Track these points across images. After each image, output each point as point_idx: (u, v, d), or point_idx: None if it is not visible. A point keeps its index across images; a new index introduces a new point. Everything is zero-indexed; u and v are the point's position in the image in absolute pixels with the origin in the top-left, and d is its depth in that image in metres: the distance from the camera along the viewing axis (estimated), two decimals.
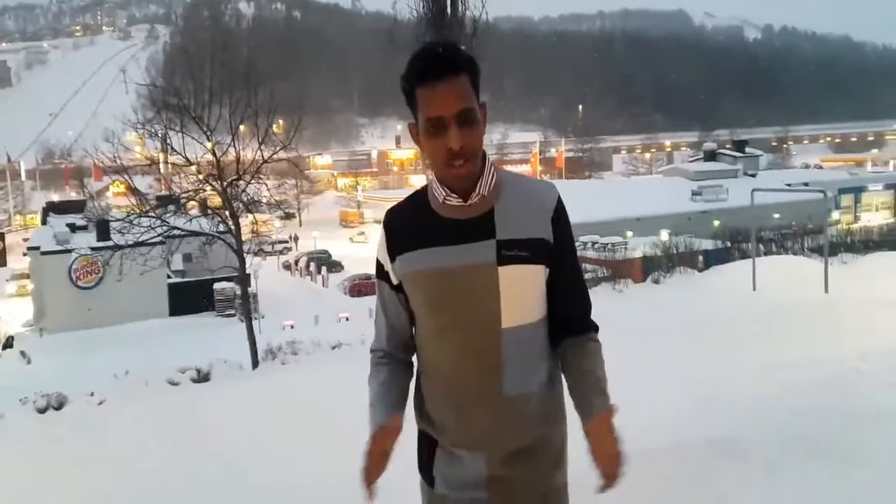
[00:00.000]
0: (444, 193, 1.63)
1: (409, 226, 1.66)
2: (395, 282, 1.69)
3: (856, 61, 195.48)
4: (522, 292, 1.61)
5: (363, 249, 49.82)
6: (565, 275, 1.67)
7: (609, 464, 1.55)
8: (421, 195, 1.70)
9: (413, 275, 1.64)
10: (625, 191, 42.89)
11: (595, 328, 1.74)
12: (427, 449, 1.72)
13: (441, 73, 1.52)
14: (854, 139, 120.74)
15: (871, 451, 3.91)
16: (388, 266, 1.69)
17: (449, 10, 14.51)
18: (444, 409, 1.67)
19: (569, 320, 1.69)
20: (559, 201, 1.67)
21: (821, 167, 78.34)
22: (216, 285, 31.88)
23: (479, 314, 1.60)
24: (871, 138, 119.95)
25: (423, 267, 1.62)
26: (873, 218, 47.22)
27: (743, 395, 5.27)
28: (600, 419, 1.57)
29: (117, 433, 6.58)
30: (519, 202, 1.63)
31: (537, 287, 1.64)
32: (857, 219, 48.23)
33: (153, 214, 14.11)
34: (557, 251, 1.64)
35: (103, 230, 21.88)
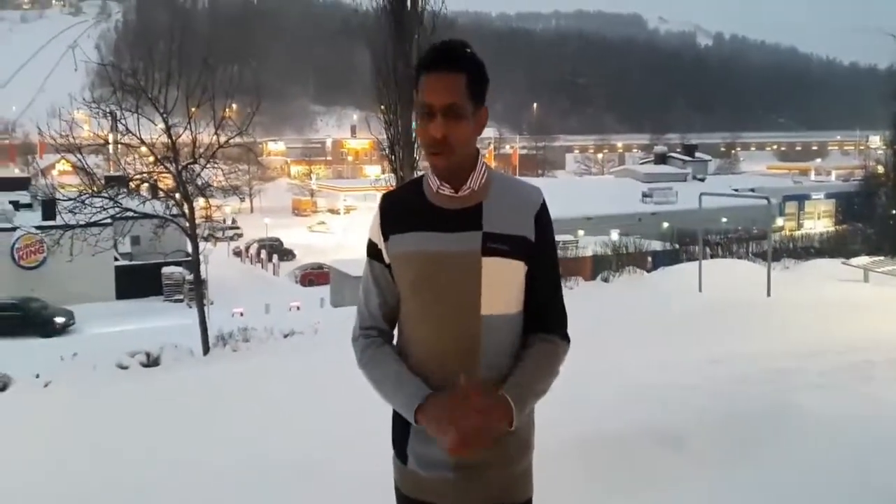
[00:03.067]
0: (437, 183, 1.73)
1: (403, 209, 1.76)
2: (386, 261, 1.77)
3: (801, 72, 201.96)
4: (502, 284, 1.70)
5: (322, 239, 49.45)
6: (541, 274, 1.75)
7: (469, 432, 1.54)
8: (417, 183, 1.80)
9: (403, 255, 1.73)
10: (577, 190, 43.51)
11: (562, 335, 1.79)
12: (401, 426, 1.77)
13: (442, 65, 1.65)
14: (798, 148, 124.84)
15: (797, 443, 4.18)
16: (381, 245, 1.77)
17: (409, 3, 14.57)
18: None
19: (537, 319, 1.77)
20: (543, 205, 1.77)
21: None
22: (165, 269, 31.28)
23: (460, 298, 1.69)
24: (814, 148, 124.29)
25: (413, 248, 1.71)
26: (815, 225, 48.99)
27: (682, 387, 5.47)
28: (503, 398, 1.60)
29: (63, 416, 6.46)
30: (506, 200, 1.74)
31: (516, 281, 1.73)
32: (800, 226, 49.93)
33: (106, 195, 13.77)
34: (537, 250, 1.73)
35: (50, 209, 21.17)
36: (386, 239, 1.76)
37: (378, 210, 1.80)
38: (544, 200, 1.78)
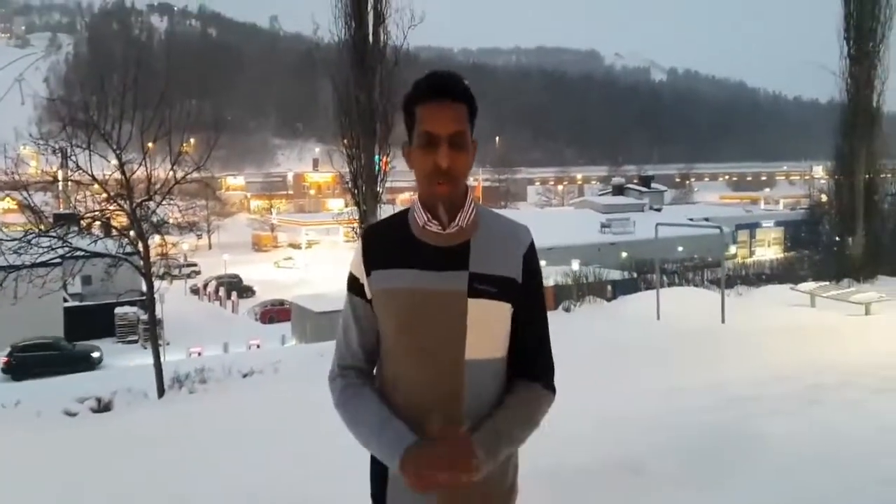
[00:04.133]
0: (425, 219, 1.66)
1: (387, 244, 1.69)
2: (368, 296, 1.70)
3: (750, 106, 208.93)
4: (488, 327, 1.64)
5: (283, 275, 48.88)
6: (528, 318, 1.69)
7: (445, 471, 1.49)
8: (401, 217, 1.73)
9: (385, 291, 1.65)
10: (538, 221, 43.74)
11: (547, 384, 1.71)
12: (380, 476, 1.69)
13: (444, 95, 1.61)
14: (749, 178, 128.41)
15: (758, 468, 4.24)
16: (363, 279, 1.70)
17: (371, 37, 14.71)
18: None
19: (521, 366, 1.70)
20: (532, 245, 1.72)
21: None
22: (118, 310, 30.54)
23: (444, 341, 1.62)
24: (763, 178, 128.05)
25: (396, 285, 1.64)
26: (766, 253, 50.31)
27: (643, 416, 5.52)
28: (475, 441, 1.54)
29: (1, 468, 6.18)
30: (494, 239, 1.68)
31: (502, 324, 1.66)
32: (752, 253, 51.23)
33: (54, 234, 13.42)
34: (524, 293, 1.67)
35: None
36: (368, 274, 1.68)
37: (360, 243, 1.73)
38: (532, 241, 1.73)
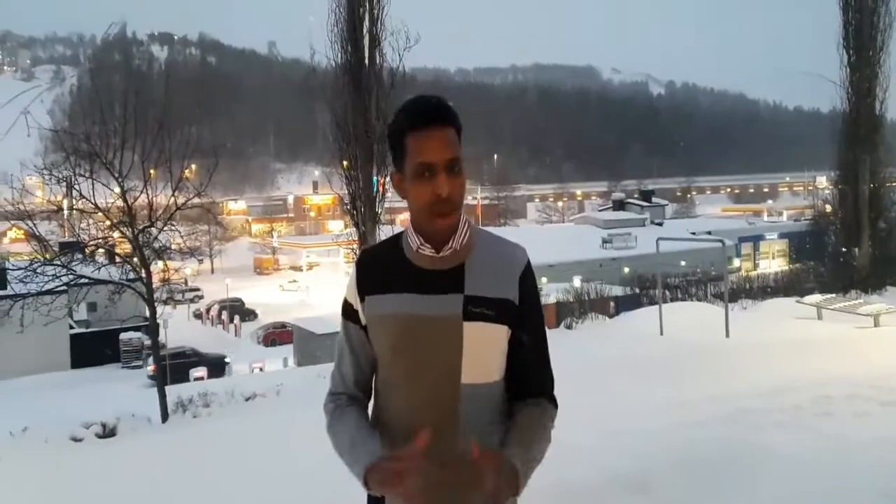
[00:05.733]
0: (418, 242, 1.65)
1: (380, 269, 1.68)
2: (363, 323, 1.69)
3: (750, 117, 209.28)
4: (484, 350, 1.63)
5: (285, 297, 48.93)
6: (526, 339, 1.68)
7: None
8: (394, 241, 1.73)
9: (380, 317, 1.65)
10: (539, 238, 43.95)
11: (551, 399, 1.71)
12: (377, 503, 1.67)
13: (435, 122, 1.58)
14: (751, 190, 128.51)
15: (764, 482, 4.23)
16: (357, 305, 1.69)
17: (367, 60, 14.88)
18: None
19: (523, 384, 1.69)
20: (528, 265, 1.70)
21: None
22: (122, 335, 30.59)
23: (440, 365, 1.61)
24: (766, 190, 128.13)
25: (390, 310, 1.63)
26: (770, 265, 50.17)
27: (647, 430, 5.51)
28: (511, 466, 1.50)
29: (12, 495, 6.20)
30: (489, 260, 1.67)
31: (499, 347, 1.65)
32: (756, 266, 51.11)
33: (59, 262, 13.50)
34: (521, 314, 1.65)
35: (0, 279, 20.76)
36: (362, 299, 1.67)
37: (355, 268, 1.73)
38: (529, 260, 1.71)
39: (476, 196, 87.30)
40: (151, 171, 15.11)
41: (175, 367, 27.00)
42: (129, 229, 13.88)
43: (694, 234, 42.10)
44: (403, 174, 1.63)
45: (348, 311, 1.73)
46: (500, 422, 1.67)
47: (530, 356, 1.70)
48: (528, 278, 1.69)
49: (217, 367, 28.66)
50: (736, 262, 47.04)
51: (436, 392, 1.61)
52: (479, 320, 1.61)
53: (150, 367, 27.03)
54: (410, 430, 1.59)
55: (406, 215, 1.78)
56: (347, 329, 1.73)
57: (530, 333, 1.69)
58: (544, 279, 34.19)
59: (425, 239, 1.65)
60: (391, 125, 1.65)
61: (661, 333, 11.94)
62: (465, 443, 1.56)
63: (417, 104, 1.61)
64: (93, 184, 14.04)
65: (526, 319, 1.67)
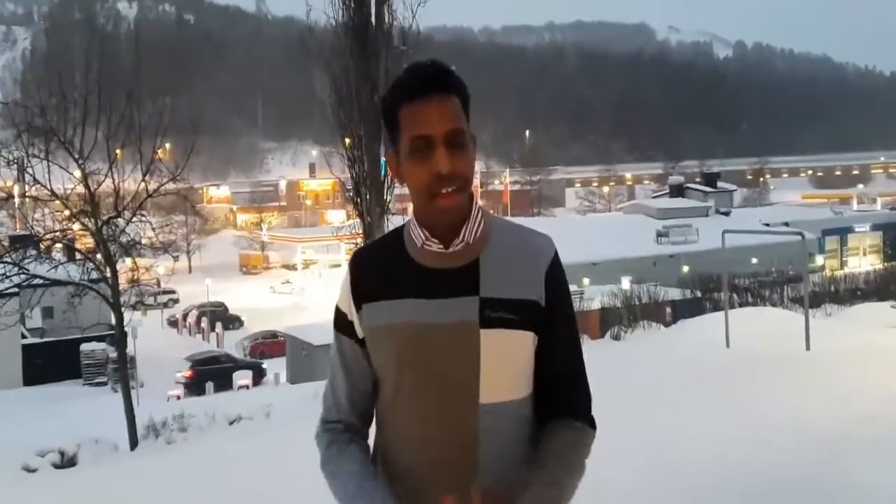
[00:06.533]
0: (423, 237, 1.64)
1: (379, 271, 1.67)
2: (360, 335, 1.68)
3: (837, 85, 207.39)
4: (506, 362, 1.61)
5: (282, 302, 49.25)
6: (557, 346, 1.66)
7: None
8: (395, 236, 1.72)
9: (379, 329, 1.64)
10: (580, 230, 43.79)
11: (587, 418, 1.70)
12: None
13: (431, 90, 1.57)
14: (838, 173, 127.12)
15: None
16: (352, 316, 1.68)
17: (374, 18, 14.89)
18: (401, 501, 1.61)
19: (554, 401, 1.68)
20: (556, 258, 1.69)
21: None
22: (84, 346, 30.89)
23: (453, 383, 1.59)
24: (855, 172, 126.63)
25: (392, 320, 1.62)
26: (861, 263, 49.59)
27: (716, 466, 5.46)
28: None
29: None
30: (509, 255, 1.65)
31: (524, 358, 1.64)
32: (843, 264, 50.57)
33: (9, 259, 13.69)
34: (549, 317, 1.64)
35: None
36: (358, 308, 1.67)
37: (348, 271, 1.72)
38: (556, 252, 1.70)
39: (503, 180, 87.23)
40: (118, 151, 15.27)
41: (210, 373, 29.01)
42: (92, 220, 14.04)
43: (768, 225, 41.71)
44: (400, 155, 1.64)
45: (342, 322, 1.72)
46: (530, 444, 1.66)
47: (562, 370, 1.68)
48: (555, 274, 1.67)
49: (255, 375, 29.99)
50: (819, 260, 46.60)
51: (449, 416, 1.59)
52: (498, 327, 1.59)
53: (186, 373, 29.55)
54: (420, 465, 1.59)
55: None
56: (341, 343, 1.72)
57: (560, 341, 1.67)
58: (586, 280, 34.14)
59: (431, 232, 1.64)
60: (384, 99, 1.66)
61: (728, 345, 11.89)
62: (485, 478, 1.56)
63: (410, 71, 1.63)
64: (48, 166, 14.19)
65: (555, 323, 1.66)
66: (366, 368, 1.70)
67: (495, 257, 1.65)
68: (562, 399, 1.68)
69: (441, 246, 1.63)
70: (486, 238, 1.66)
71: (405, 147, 1.60)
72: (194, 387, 28.29)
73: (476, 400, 1.59)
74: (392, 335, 1.62)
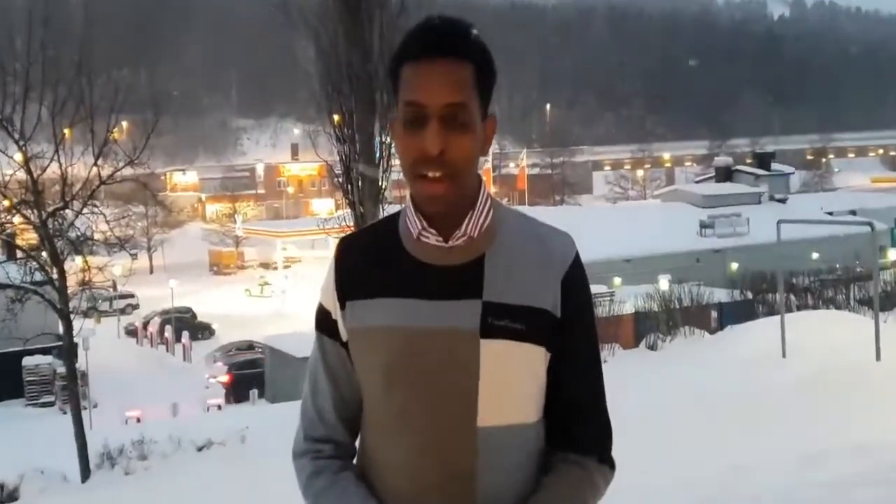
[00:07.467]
0: (419, 227, 1.63)
1: (368, 264, 1.67)
2: (344, 338, 1.68)
3: None
4: (511, 379, 1.59)
5: (259, 307, 49.40)
6: (569, 367, 1.65)
7: None
8: (388, 224, 1.71)
9: (365, 331, 1.63)
10: (610, 221, 43.78)
11: (602, 456, 1.69)
12: None
13: (436, 49, 1.55)
14: None
15: None
16: (336, 314, 1.68)
17: None
18: None
19: (565, 431, 1.67)
20: (576, 261, 1.67)
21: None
22: (26, 360, 31.04)
23: (448, 401, 1.58)
24: None
25: (379, 322, 1.62)
26: None
27: (763, 495, 5.47)
28: None
29: None
30: (520, 254, 1.64)
31: (532, 376, 1.62)
32: None
33: None
34: (564, 331, 1.63)
35: None
36: (343, 306, 1.66)
37: (333, 262, 1.72)
38: (577, 255, 1.69)
39: (520, 162, 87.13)
40: (66, 131, 15.31)
41: (252, 379, 30.18)
42: (35, 212, 14.08)
43: (831, 214, 41.64)
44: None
45: (324, 322, 1.71)
46: (538, 477, 1.65)
47: (576, 394, 1.67)
48: (575, 280, 1.66)
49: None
50: (891, 255, 46.48)
51: (442, 439, 1.58)
52: (502, 337, 1.58)
53: (223, 378, 31.15)
54: (405, 493, 1.58)
55: None
56: (323, 346, 1.72)
57: (577, 359, 1.66)
58: (617, 280, 34.13)
59: (429, 221, 1.62)
60: (391, 57, 1.66)
61: (784, 355, 11.94)
62: None
63: (422, 25, 1.61)
64: None
65: (571, 340, 1.64)
66: (351, 375, 1.69)
67: (503, 256, 1.63)
68: (573, 430, 1.67)
69: (440, 238, 1.62)
70: (493, 232, 1.65)
71: (399, 114, 1.60)
72: (233, 395, 29.64)
73: (474, 423, 1.58)
74: (379, 339, 1.61)
